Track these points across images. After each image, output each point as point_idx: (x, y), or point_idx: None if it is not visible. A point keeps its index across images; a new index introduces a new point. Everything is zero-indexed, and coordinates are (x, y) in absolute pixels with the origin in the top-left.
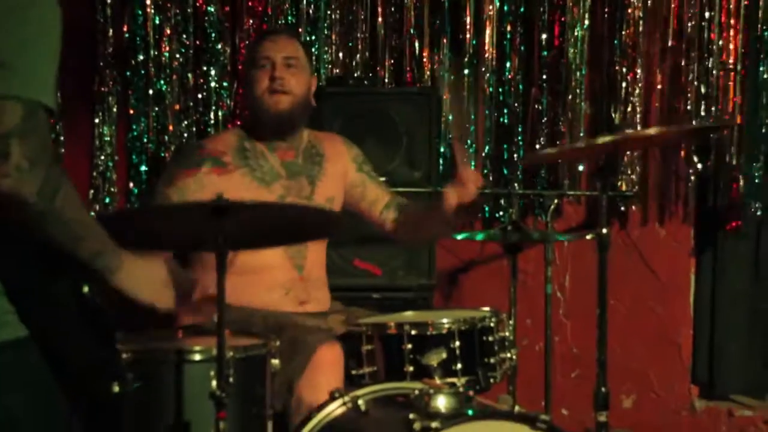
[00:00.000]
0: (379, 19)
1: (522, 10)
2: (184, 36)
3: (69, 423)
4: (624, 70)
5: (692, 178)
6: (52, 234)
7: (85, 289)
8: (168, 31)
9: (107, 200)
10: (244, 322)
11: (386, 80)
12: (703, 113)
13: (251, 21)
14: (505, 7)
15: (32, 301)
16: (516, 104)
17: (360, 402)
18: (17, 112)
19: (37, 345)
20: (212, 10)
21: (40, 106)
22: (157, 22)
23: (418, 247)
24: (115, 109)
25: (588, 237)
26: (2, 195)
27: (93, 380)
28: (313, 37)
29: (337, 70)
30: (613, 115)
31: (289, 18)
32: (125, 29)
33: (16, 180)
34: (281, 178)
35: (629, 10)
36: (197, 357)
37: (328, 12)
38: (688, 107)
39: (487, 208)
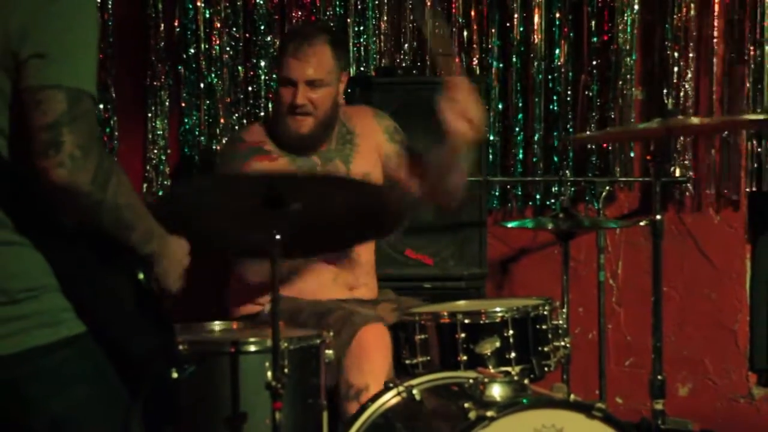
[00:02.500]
0: (427, 8)
1: None
2: (234, 29)
3: (129, 411)
4: (676, 54)
5: (747, 162)
6: (105, 223)
7: (141, 275)
8: (218, 25)
9: (160, 193)
10: (293, 313)
11: (435, 69)
12: (758, 98)
13: (299, 12)
14: None
15: (88, 294)
16: (565, 91)
17: (415, 391)
18: (62, 101)
19: (96, 336)
20: (261, 2)
21: (84, 93)
22: (207, 15)
23: (447, 205)
24: (167, 103)
25: (641, 224)
26: (57, 185)
27: (151, 367)
28: (362, 28)
29: (386, 61)
30: (666, 100)
31: (338, 9)
32: (176, 23)
33: (71, 169)
34: (317, 166)
35: None
36: (252, 348)
37: (376, 2)
38: (744, 93)
39: (538, 196)
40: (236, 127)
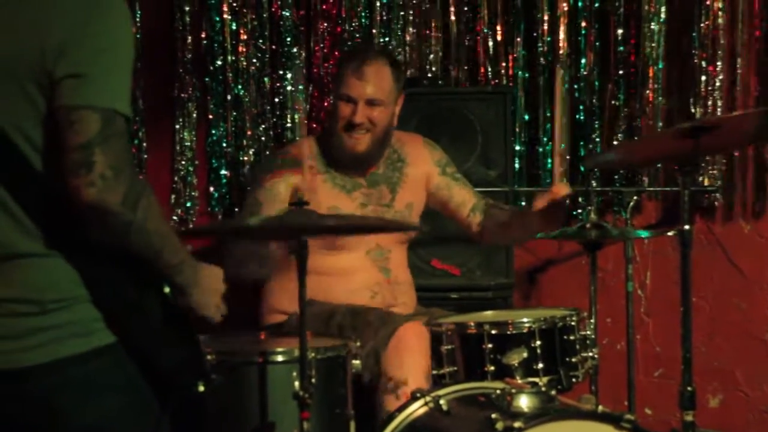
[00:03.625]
0: (452, 18)
1: (597, 5)
2: (260, 41)
3: (159, 423)
4: (704, 63)
5: None
6: (133, 244)
7: (167, 289)
8: (244, 36)
9: (188, 204)
10: (328, 313)
11: (460, 79)
12: None
13: (325, 24)
14: (580, 3)
15: (118, 307)
16: (592, 101)
17: (442, 402)
18: (96, 121)
19: (126, 348)
20: (287, 14)
21: (117, 114)
22: (234, 27)
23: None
24: (194, 115)
25: (669, 234)
26: (87, 205)
27: (179, 380)
28: (387, 39)
29: (412, 71)
30: (693, 110)
31: (363, 20)
32: (203, 36)
33: (101, 189)
34: (362, 186)
35: (707, 2)
36: (280, 358)
37: (401, 13)
38: None
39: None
40: (285, 144)
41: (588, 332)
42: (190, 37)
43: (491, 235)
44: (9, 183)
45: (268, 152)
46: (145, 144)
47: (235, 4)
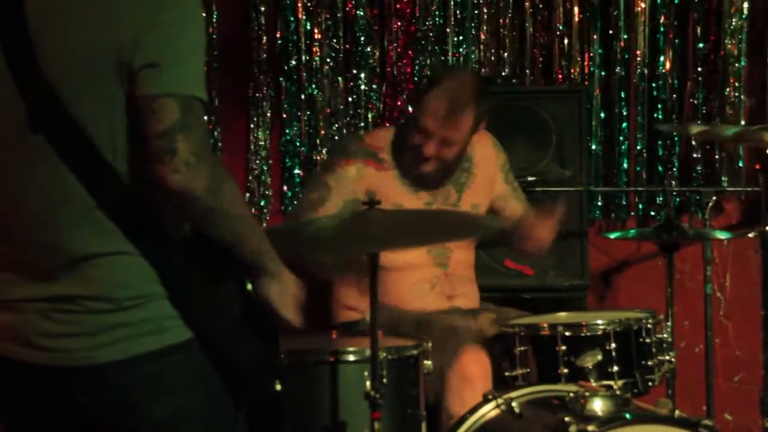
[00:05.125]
0: (527, 17)
1: (675, 1)
2: (334, 40)
3: (235, 421)
4: None
5: None
6: (218, 230)
7: (249, 286)
8: (319, 36)
9: (262, 203)
10: (395, 321)
11: (535, 78)
12: None
13: (399, 23)
14: (658, 0)
15: (195, 303)
16: (670, 100)
17: (514, 404)
18: (175, 108)
19: (203, 345)
20: (361, 13)
21: (195, 99)
22: (308, 27)
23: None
24: (269, 114)
25: (750, 235)
26: (173, 191)
27: (257, 378)
28: (461, 37)
29: (486, 70)
30: None
31: (437, 19)
32: (278, 35)
33: (185, 175)
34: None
35: None
36: (351, 358)
37: (476, 12)
38: None
39: (641, 206)
40: (361, 132)
41: (665, 335)
42: (264, 38)
43: (515, 243)
44: (88, 181)
45: (344, 134)
46: (220, 143)
47: (309, 4)
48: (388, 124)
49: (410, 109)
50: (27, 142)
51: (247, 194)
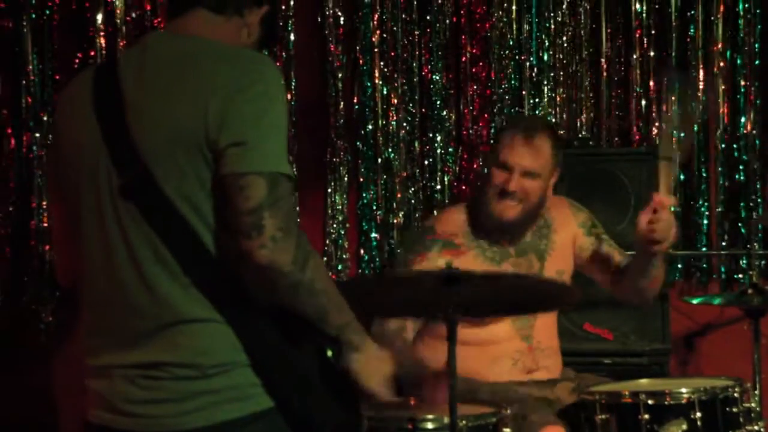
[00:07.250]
0: (603, 77)
1: (757, 62)
2: (411, 105)
3: None
4: None
5: None
6: (302, 305)
7: (329, 353)
8: (395, 101)
9: (339, 267)
10: (470, 392)
11: (612, 139)
12: None
13: (475, 86)
14: (738, 60)
15: (277, 371)
16: (753, 160)
17: None
18: (262, 186)
19: (284, 413)
20: (437, 78)
21: (281, 176)
22: (385, 92)
23: (639, 304)
24: (346, 178)
25: None
26: (260, 266)
27: None
28: (537, 100)
29: (562, 131)
30: None
31: (513, 82)
32: (355, 101)
33: (272, 250)
34: (510, 257)
35: None
36: (430, 426)
37: (551, 74)
38: None
39: (724, 270)
40: (434, 213)
41: (752, 404)
42: (342, 103)
43: (620, 289)
44: (177, 252)
45: (414, 224)
46: (298, 208)
47: (386, 70)
48: (465, 187)
49: (484, 170)
50: (118, 208)
51: (325, 258)
